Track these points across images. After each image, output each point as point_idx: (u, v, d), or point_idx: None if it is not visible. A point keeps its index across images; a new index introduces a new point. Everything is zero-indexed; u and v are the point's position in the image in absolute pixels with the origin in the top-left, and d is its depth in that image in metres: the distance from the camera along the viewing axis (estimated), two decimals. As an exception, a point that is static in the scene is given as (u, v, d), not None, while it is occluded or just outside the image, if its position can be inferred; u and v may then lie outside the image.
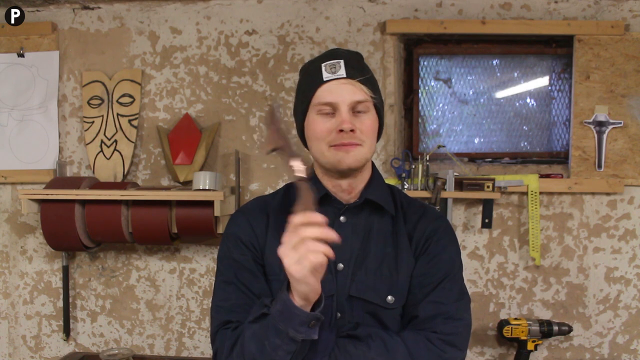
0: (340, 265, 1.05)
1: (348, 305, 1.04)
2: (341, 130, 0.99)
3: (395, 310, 1.05)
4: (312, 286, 0.84)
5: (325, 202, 1.09)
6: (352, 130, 1.00)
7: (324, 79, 1.01)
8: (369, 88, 1.02)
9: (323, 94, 1.01)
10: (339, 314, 1.03)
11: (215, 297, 1.07)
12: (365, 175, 1.10)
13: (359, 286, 1.04)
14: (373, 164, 1.14)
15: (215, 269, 1.12)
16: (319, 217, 0.83)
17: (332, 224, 1.07)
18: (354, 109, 1.01)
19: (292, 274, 0.83)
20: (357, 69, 1.02)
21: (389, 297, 1.04)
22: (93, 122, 2.13)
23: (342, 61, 1.01)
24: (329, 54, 1.06)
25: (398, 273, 1.06)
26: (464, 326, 1.04)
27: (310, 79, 1.04)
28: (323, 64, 1.02)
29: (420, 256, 1.08)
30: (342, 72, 1.00)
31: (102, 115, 2.12)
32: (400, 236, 1.10)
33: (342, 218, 1.08)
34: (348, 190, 1.09)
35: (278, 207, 1.12)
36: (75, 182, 1.98)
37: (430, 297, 1.04)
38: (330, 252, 0.83)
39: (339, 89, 1.00)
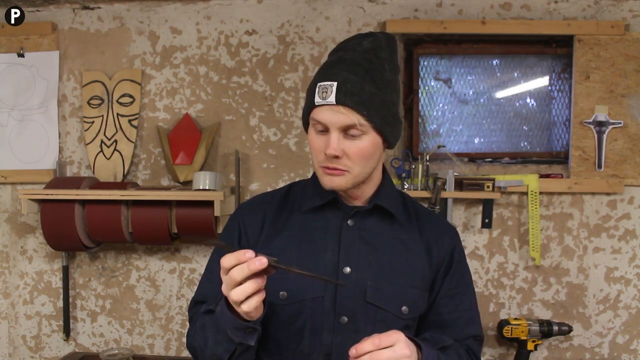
0: (347, 269, 1.04)
1: (359, 311, 1.03)
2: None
3: (406, 321, 1.06)
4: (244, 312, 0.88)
5: (334, 206, 1.09)
6: (337, 157, 0.98)
7: (315, 103, 0.97)
8: (362, 112, 0.96)
9: (315, 113, 0.99)
10: (345, 319, 1.03)
11: (199, 283, 1.18)
12: (375, 180, 1.09)
13: (376, 293, 1.04)
14: (385, 170, 1.13)
15: None
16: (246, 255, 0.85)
17: (340, 227, 1.08)
18: (346, 132, 0.97)
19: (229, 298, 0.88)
20: (351, 92, 0.95)
21: (404, 308, 1.05)
22: (93, 122, 2.13)
23: (334, 85, 0.95)
24: (330, 67, 0.99)
25: (413, 285, 1.07)
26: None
27: (309, 95, 1.01)
28: (318, 84, 0.98)
29: (446, 273, 1.12)
30: (331, 98, 0.95)
31: (102, 115, 2.12)
32: (413, 245, 1.10)
33: (349, 222, 1.08)
34: (354, 196, 1.09)
35: (277, 205, 1.14)
36: (75, 182, 1.98)
37: (465, 315, 1.11)
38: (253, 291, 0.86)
39: (328, 114, 0.96)
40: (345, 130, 0.97)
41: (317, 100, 0.97)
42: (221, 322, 0.92)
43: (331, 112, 0.96)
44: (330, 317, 1.02)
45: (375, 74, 0.98)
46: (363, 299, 1.03)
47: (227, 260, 0.85)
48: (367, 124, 0.97)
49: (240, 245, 1.12)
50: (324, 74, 0.99)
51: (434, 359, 0.95)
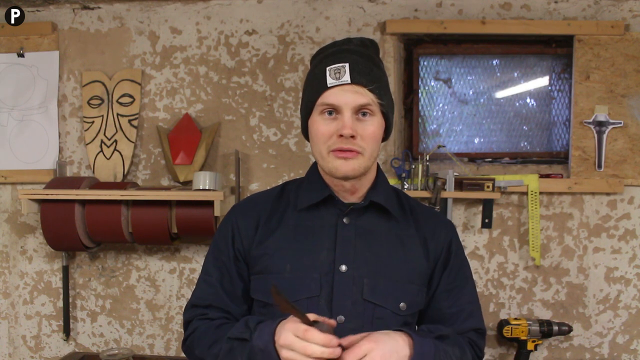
0: (343, 267, 1.04)
1: (356, 309, 1.02)
2: (341, 135, 0.98)
3: (404, 317, 1.05)
4: None
5: (329, 203, 1.09)
6: (352, 137, 0.98)
7: (328, 85, 0.98)
8: (375, 92, 0.99)
9: (326, 97, 0.99)
10: (342, 318, 1.02)
11: (195, 286, 1.17)
12: (370, 176, 1.09)
13: (373, 291, 1.03)
14: (378, 166, 1.14)
15: None
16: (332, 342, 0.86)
17: (335, 225, 1.07)
18: (358, 113, 0.99)
19: None
20: (363, 72, 0.99)
21: (402, 304, 1.05)
22: (93, 122, 2.13)
23: (346, 65, 0.98)
24: (336, 54, 1.02)
25: (411, 281, 1.07)
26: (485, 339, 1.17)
27: (315, 82, 1.02)
28: (328, 68, 0.99)
29: (444, 266, 1.11)
30: (346, 77, 0.97)
31: (102, 115, 2.13)
32: (409, 241, 1.09)
33: (345, 219, 1.07)
34: (351, 191, 1.08)
35: (271, 205, 1.13)
36: (75, 182, 1.98)
37: (465, 309, 1.10)
38: None
39: (342, 94, 0.98)
40: (357, 111, 0.99)
41: (330, 81, 0.98)
42: (259, 356, 0.92)
43: (344, 92, 0.98)
44: (326, 317, 1.02)
45: (375, 61, 1.04)
46: (360, 297, 1.03)
47: (316, 338, 0.85)
48: (378, 104, 1.00)
49: (234, 247, 1.11)
50: (331, 58, 1.00)
51: (430, 347, 0.94)
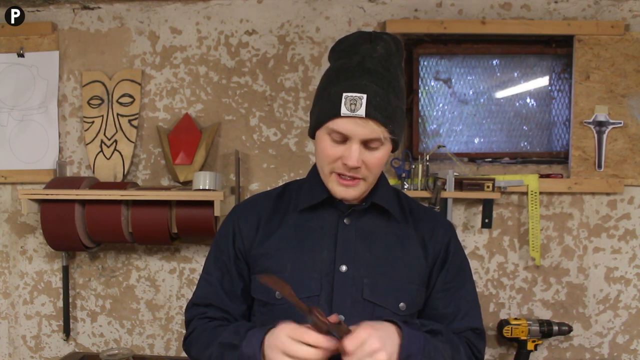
0: (343, 267, 1.04)
1: (356, 308, 1.03)
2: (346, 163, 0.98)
3: (404, 317, 1.05)
4: None
5: (329, 204, 1.09)
6: (357, 167, 0.98)
7: (342, 114, 0.95)
8: (388, 126, 0.97)
9: (337, 124, 0.97)
10: (342, 317, 1.01)
11: (197, 285, 1.18)
12: None
13: (372, 290, 1.04)
14: None
15: None
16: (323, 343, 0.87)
17: (336, 226, 1.08)
18: (366, 144, 0.98)
19: None
20: (380, 107, 0.95)
21: (401, 304, 1.05)
22: (93, 122, 2.13)
23: (364, 97, 0.94)
24: (356, 76, 0.96)
25: (410, 280, 1.07)
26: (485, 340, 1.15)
27: (329, 102, 0.97)
28: (344, 95, 0.95)
29: (441, 266, 1.11)
30: (361, 111, 0.94)
31: (102, 115, 2.12)
32: (409, 241, 1.10)
33: (345, 220, 1.08)
34: None
35: (272, 205, 1.14)
36: (75, 182, 1.98)
37: (462, 308, 1.10)
38: None
39: (354, 126, 0.95)
40: (366, 142, 0.98)
41: (344, 111, 0.95)
42: None
43: (356, 124, 0.95)
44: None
45: (395, 85, 0.99)
46: (360, 297, 1.03)
47: (314, 339, 0.87)
48: (389, 137, 0.99)
49: (235, 247, 1.12)
50: (350, 84, 0.96)
51: (419, 341, 0.94)
